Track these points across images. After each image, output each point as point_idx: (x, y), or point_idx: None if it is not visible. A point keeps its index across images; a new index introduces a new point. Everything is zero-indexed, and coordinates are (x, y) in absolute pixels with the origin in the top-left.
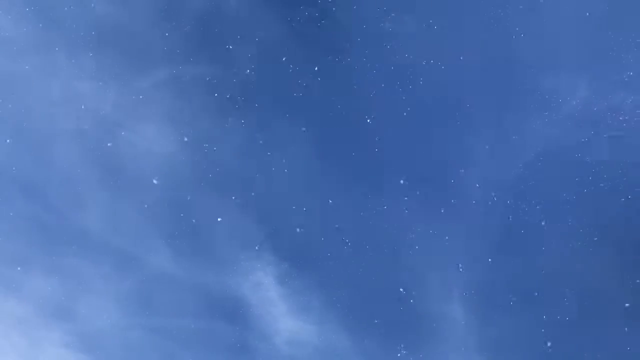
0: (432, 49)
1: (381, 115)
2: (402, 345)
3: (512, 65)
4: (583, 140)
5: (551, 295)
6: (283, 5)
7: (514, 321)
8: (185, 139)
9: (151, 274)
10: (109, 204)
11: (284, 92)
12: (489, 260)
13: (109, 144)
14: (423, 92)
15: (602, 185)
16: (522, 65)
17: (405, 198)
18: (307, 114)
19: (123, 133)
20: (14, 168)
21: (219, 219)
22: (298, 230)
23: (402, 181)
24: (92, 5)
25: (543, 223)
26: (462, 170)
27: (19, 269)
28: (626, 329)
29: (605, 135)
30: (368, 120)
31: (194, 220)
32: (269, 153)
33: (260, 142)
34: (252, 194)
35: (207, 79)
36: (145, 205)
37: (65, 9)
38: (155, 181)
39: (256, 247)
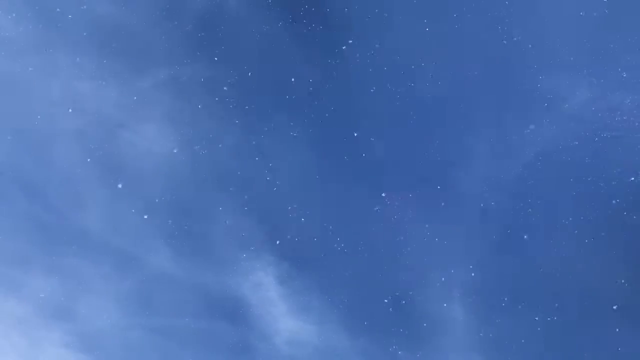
0: (432, 49)
1: (381, 116)
2: (401, 345)
3: (512, 65)
4: (583, 140)
5: (551, 296)
6: (283, 5)
7: (513, 321)
8: (184, 140)
9: (151, 274)
10: (109, 204)
11: (284, 92)
12: (488, 260)
13: (109, 145)
14: (423, 92)
15: (601, 185)
16: (522, 65)
17: (405, 198)
18: (307, 114)
19: (123, 133)
20: (14, 168)
21: (218, 219)
22: (298, 230)
23: (401, 181)
24: (92, 5)
25: (542, 223)
26: (462, 171)
27: (19, 269)
28: (617, 329)
29: (604, 135)
30: (368, 120)
31: (194, 221)
32: (269, 153)
33: (261, 142)
34: (253, 194)
35: (207, 79)
36: (145, 214)
37: (66, 9)
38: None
39: (252, 248)
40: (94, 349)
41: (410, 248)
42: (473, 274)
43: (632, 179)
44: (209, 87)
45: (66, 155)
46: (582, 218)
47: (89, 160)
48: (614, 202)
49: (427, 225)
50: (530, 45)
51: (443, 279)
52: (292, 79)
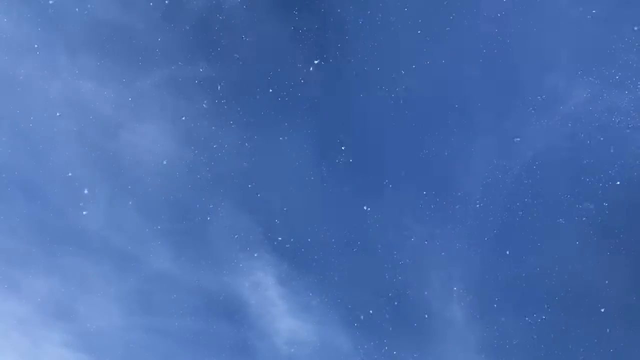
0: (432, 49)
1: (381, 116)
2: (399, 345)
3: (512, 65)
4: (582, 140)
5: (550, 296)
6: (279, 7)
7: (511, 321)
8: (183, 140)
9: (151, 274)
10: (109, 204)
11: (282, 92)
12: (486, 260)
13: (108, 145)
14: (423, 92)
15: (600, 185)
16: (522, 65)
17: (405, 198)
18: (306, 115)
19: (123, 133)
20: (13, 168)
21: (218, 220)
22: (297, 230)
23: (399, 182)
24: (92, 5)
25: (541, 223)
26: (459, 171)
27: (19, 269)
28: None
29: (601, 136)
30: (368, 120)
31: (193, 221)
32: (268, 153)
33: (259, 142)
34: (253, 194)
35: (205, 79)
36: (145, 214)
37: (66, 9)
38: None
39: (251, 248)
40: (94, 349)
41: (410, 248)
42: (471, 274)
43: (629, 179)
44: (206, 87)
45: (66, 155)
46: (581, 218)
47: (88, 160)
48: (610, 202)
49: (427, 226)
50: (527, 46)
51: (442, 279)
52: (290, 80)
